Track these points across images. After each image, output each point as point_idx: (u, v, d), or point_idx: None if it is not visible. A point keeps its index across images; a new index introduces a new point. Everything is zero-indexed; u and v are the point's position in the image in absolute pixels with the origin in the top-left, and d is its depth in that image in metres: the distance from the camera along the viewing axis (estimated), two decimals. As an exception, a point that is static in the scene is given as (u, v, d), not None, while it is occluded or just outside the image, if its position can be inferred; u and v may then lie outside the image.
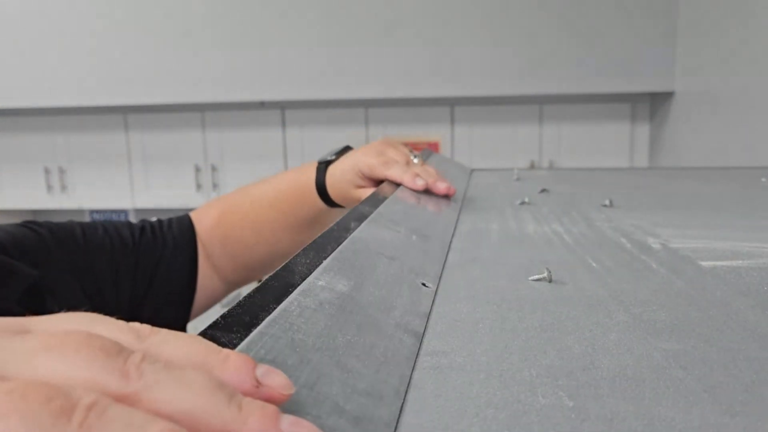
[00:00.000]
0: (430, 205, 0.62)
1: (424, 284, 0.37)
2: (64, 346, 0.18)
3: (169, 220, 0.83)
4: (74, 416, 0.16)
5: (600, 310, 0.33)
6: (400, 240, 0.45)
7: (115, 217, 3.25)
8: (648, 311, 0.33)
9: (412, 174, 0.66)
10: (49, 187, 2.98)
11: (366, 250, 0.40)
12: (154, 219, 0.83)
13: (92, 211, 3.26)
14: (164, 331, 0.20)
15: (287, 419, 0.18)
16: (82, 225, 0.75)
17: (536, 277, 0.39)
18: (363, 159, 0.71)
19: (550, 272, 0.39)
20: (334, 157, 0.76)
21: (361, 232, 0.44)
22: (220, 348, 0.20)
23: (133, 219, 3.23)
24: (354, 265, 0.36)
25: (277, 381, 0.19)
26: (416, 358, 0.28)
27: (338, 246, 0.38)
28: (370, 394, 0.22)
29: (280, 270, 0.33)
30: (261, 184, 0.83)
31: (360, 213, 0.49)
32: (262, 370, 0.20)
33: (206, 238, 0.82)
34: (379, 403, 0.22)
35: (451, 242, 0.50)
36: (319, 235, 0.41)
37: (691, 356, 0.27)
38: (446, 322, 0.32)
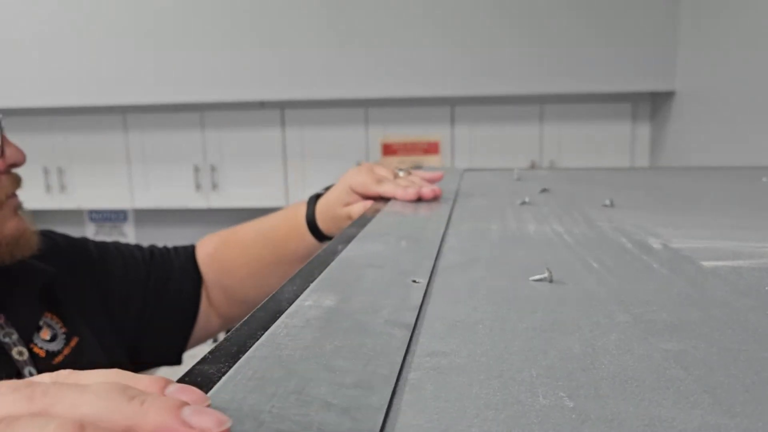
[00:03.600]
0: (419, 211, 0.63)
1: (414, 281, 0.38)
2: None
3: (175, 248, 0.85)
4: None
5: (601, 311, 0.33)
6: (388, 249, 0.46)
7: (114, 217, 3.25)
8: (649, 311, 0.33)
9: (402, 187, 0.69)
10: (48, 187, 2.98)
11: (353, 266, 0.41)
12: (161, 245, 0.85)
13: (91, 211, 3.26)
14: (83, 371, 0.22)
15: (189, 409, 0.19)
16: (95, 241, 0.80)
17: (537, 277, 0.39)
18: (356, 178, 0.72)
19: (550, 272, 0.38)
20: (323, 191, 0.78)
21: (349, 251, 0.45)
22: (135, 374, 0.22)
23: (131, 219, 3.24)
24: (341, 280, 0.37)
25: (187, 396, 0.21)
26: (408, 346, 0.28)
27: (325, 269, 0.39)
28: (358, 386, 0.23)
29: (267, 301, 0.34)
30: (259, 219, 0.84)
31: (347, 235, 0.50)
32: (172, 387, 0.21)
33: (202, 267, 0.84)
34: (369, 392, 0.23)
35: (443, 239, 0.50)
36: (306, 263, 0.42)
37: (692, 357, 0.27)
38: (446, 323, 0.32)
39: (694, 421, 0.21)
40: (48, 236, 0.73)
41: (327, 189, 0.78)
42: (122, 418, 0.19)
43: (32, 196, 2.98)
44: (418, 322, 0.31)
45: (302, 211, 0.77)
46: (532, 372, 0.26)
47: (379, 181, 0.71)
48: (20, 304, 0.63)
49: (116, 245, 0.80)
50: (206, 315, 0.83)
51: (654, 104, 2.70)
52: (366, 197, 0.72)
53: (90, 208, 3.13)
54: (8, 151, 0.63)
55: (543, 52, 2.52)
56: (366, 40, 2.57)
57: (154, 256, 0.81)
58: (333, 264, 0.41)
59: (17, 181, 0.65)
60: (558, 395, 0.23)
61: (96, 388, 0.19)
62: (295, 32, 2.59)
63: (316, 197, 0.77)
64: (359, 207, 0.70)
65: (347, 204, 0.73)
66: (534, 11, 2.51)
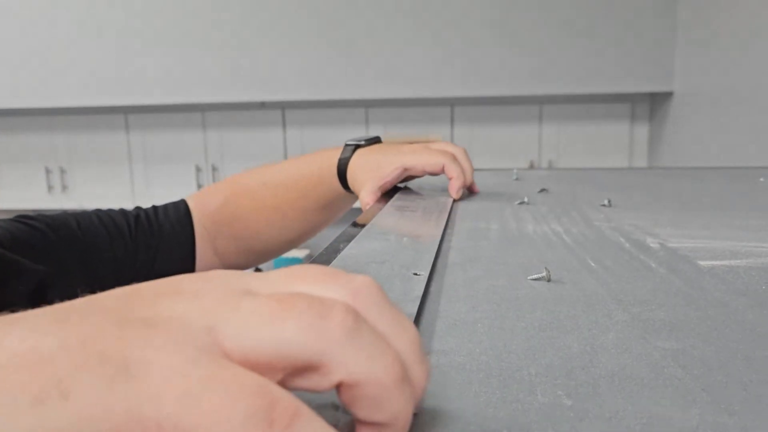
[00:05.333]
0: (420, 210, 0.63)
1: (415, 273, 0.38)
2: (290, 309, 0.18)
3: (165, 207, 0.81)
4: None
5: (599, 310, 0.33)
6: (390, 245, 0.46)
7: (115, 218, 3.25)
8: (646, 310, 0.33)
9: (459, 173, 0.70)
10: (50, 188, 2.98)
11: (356, 263, 0.41)
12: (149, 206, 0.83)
13: (92, 212, 3.25)
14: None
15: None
16: (76, 216, 0.73)
17: (535, 276, 0.39)
18: (413, 157, 0.72)
19: (548, 272, 0.39)
20: (363, 143, 0.77)
21: (351, 249, 0.45)
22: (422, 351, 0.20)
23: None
24: None
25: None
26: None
27: (328, 266, 0.40)
28: None
29: None
30: (273, 167, 0.81)
31: (349, 234, 0.51)
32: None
33: (210, 222, 0.80)
34: None
35: (443, 236, 0.51)
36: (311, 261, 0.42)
37: (690, 355, 0.27)
38: (446, 322, 0.32)
39: (692, 420, 0.22)
40: (28, 225, 0.66)
41: (369, 141, 0.77)
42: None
43: (34, 196, 2.98)
44: (418, 320, 0.32)
45: (332, 158, 0.75)
46: (531, 371, 0.26)
47: (443, 154, 0.72)
48: (10, 305, 0.61)
49: (99, 216, 0.75)
50: (209, 267, 0.79)
51: (652, 105, 2.70)
52: (414, 174, 0.74)
53: (92, 208, 3.13)
54: None
55: (542, 53, 2.52)
56: (366, 41, 2.58)
57: (140, 221, 0.77)
58: (336, 261, 0.41)
59: None
60: (556, 393, 0.24)
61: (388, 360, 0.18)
62: (296, 33, 2.59)
63: (355, 147, 0.76)
64: (368, 192, 0.70)
65: (386, 179, 0.72)
66: (533, 12, 2.51)
